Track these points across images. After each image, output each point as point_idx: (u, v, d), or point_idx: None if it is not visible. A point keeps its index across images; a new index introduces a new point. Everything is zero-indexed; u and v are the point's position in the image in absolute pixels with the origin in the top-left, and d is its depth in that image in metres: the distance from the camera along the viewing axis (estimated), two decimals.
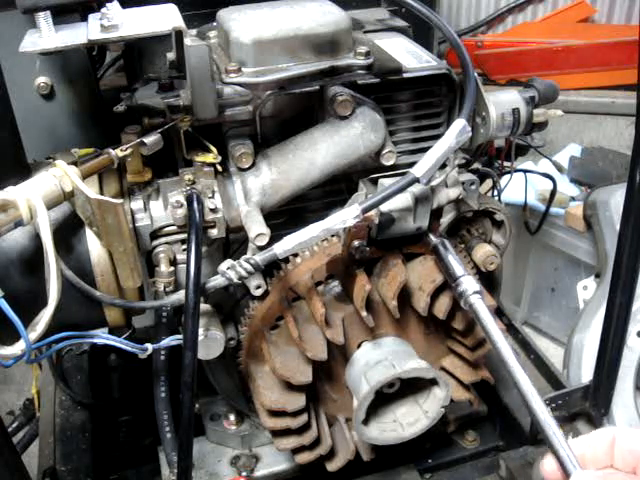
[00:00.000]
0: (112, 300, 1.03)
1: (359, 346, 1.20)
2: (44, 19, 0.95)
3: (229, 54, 1.11)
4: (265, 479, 1.39)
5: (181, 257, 1.09)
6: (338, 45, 1.12)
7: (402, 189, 1.01)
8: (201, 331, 1.05)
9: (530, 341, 1.64)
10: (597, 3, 3.11)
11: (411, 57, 1.19)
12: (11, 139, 0.99)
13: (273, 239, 1.03)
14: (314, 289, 1.12)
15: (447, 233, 1.22)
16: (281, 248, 1.00)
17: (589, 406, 1.38)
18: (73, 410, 1.56)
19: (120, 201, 0.91)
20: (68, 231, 1.02)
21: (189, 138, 1.06)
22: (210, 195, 1.06)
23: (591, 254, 2.06)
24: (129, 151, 0.99)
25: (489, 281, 1.32)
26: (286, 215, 1.20)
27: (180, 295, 1.03)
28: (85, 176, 0.94)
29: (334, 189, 1.21)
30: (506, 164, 1.43)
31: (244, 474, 1.37)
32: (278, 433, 1.20)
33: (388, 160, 1.15)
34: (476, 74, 1.11)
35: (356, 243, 1.06)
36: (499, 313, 1.63)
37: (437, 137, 1.06)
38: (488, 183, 1.40)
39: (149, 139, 1.01)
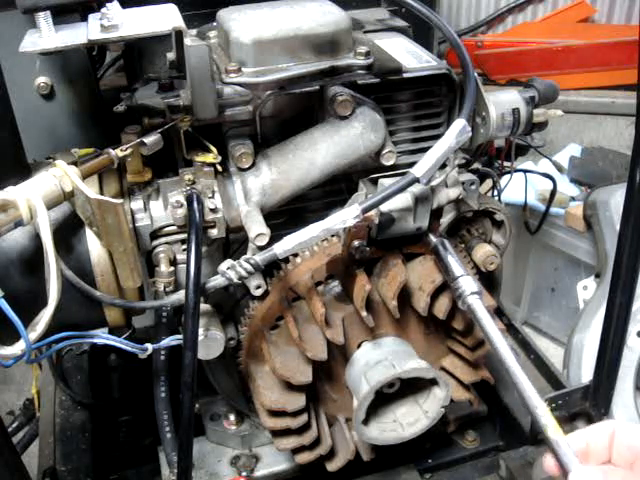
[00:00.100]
0: (112, 300, 1.03)
1: (359, 346, 1.20)
2: (44, 19, 0.95)
3: (229, 54, 1.11)
4: (265, 479, 1.39)
5: (181, 257, 1.09)
6: (338, 45, 1.12)
7: (402, 189, 1.01)
8: (201, 331, 1.05)
9: (530, 341, 1.64)
10: (597, 3, 3.11)
11: (411, 57, 1.19)
12: (11, 139, 0.99)
13: (273, 239, 1.03)
14: (314, 289, 1.12)
15: (447, 233, 1.22)
16: (281, 248, 1.00)
17: (589, 406, 1.38)
18: (73, 410, 1.56)
19: (120, 201, 0.91)
20: (68, 231, 1.02)
21: (189, 138, 1.06)
22: (210, 195, 1.06)
23: (591, 254, 2.06)
24: (129, 151, 0.99)
25: (489, 281, 1.32)
26: (286, 215, 1.20)
27: (180, 295, 1.03)
28: (85, 176, 0.94)
29: (334, 189, 1.21)
30: (506, 164, 1.43)
31: (244, 474, 1.37)
32: (278, 433, 1.20)
33: (388, 160, 1.15)
34: (476, 74, 1.11)
35: (356, 243, 1.06)
36: (499, 313, 1.63)
37: (437, 137, 1.06)
38: (488, 183, 1.41)
39: (149, 139, 1.01)
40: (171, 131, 1.05)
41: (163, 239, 1.08)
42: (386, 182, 1.08)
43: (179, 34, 1.00)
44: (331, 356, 1.14)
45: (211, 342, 1.08)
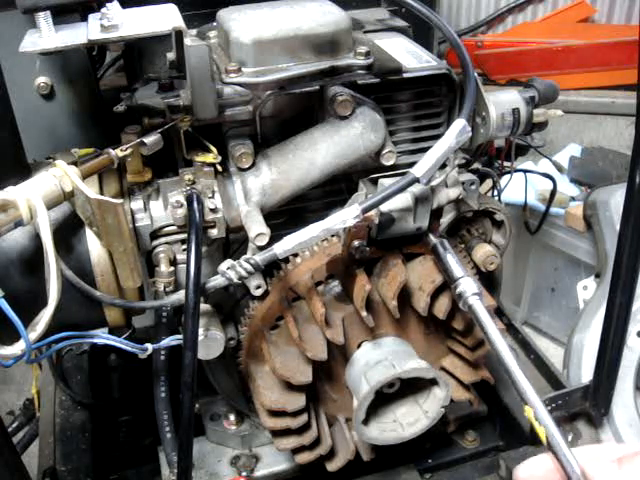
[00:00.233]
0: (112, 300, 1.03)
1: (359, 346, 1.20)
2: (44, 19, 0.95)
3: (229, 54, 1.11)
4: (265, 479, 1.39)
5: (181, 257, 1.09)
6: (338, 45, 1.12)
7: (402, 189, 1.01)
8: (201, 331, 1.05)
9: (530, 341, 1.64)
10: (597, 3, 3.11)
11: (411, 57, 1.19)
12: (11, 139, 0.99)
13: (273, 239, 1.03)
14: (314, 289, 1.12)
15: (447, 233, 1.22)
16: (281, 248, 1.00)
17: (589, 406, 1.38)
18: (73, 410, 1.55)
19: (120, 201, 0.91)
20: (68, 231, 1.02)
21: (189, 138, 1.06)
22: (210, 195, 1.06)
23: (591, 254, 2.05)
24: (129, 151, 0.99)
25: (489, 281, 1.32)
26: (286, 215, 1.20)
27: (180, 295, 1.03)
28: (85, 176, 0.94)
29: (334, 189, 1.21)
30: (506, 164, 1.43)
31: (244, 474, 1.37)
32: (278, 433, 1.20)
33: (388, 160, 1.15)
34: (476, 74, 1.11)
35: (356, 243, 1.06)
36: (499, 313, 1.63)
37: (437, 137, 1.06)
38: (488, 183, 1.41)
39: (149, 139, 1.01)
40: (171, 131, 1.05)
41: (163, 239, 1.08)
42: (386, 182, 1.08)
43: (179, 34, 1.00)
44: (331, 356, 1.14)
45: (211, 342, 1.08)
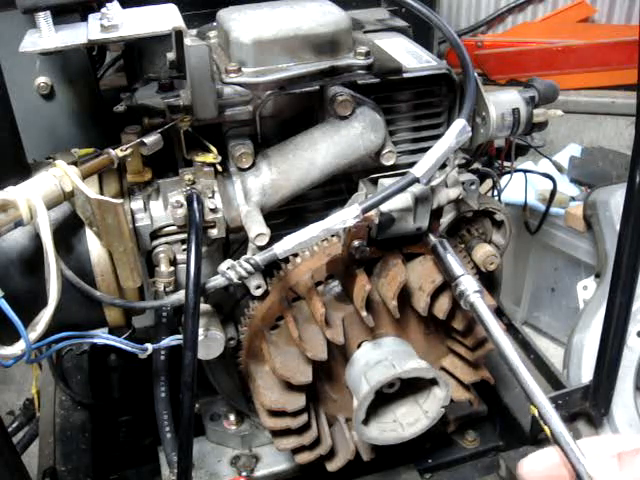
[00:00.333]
0: (112, 300, 1.03)
1: (359, 346, 1.20)
2: (44, 19, 0.95)
3: (229, 54, 1.11)
4: (265, 479, 1.39)
5: (181, 257, 1.09)
6: (338, 45, 1.12)
7: (402, 189, 1.01)
8: (201, 331, 1.05)
9: (530, 341, 1.64)
10: (597, 3, 3.11)
11: (411, 57, 1.19)
12: (11, 139, 0.98)
13: (273, 239, 1.03)
14: (314, 289, 1.12)
15: (447, 233, 1.22)
16: (281, 248, 1.00)
17: (589, 406, 1.38)
18: (73, 410, 1.55)
19: (120, 201, 0.91)
20: (68, 231, 1.02)
21: (189, 138, 1.06)
22: (210, 195, 1.06)
23: (591, 254, 2.05)
24: (129, 151, 0.99)
25: (489, 281, 1.32)
26: (286, 215, 1.20)
27: (180, 295, 1.03)
28: (85, 176, 0.94)
29: (334, 189, 1.21)
30: (506, 164, 1.43)
31: (244, 474, 1.37)
32: (278, 433, 1.20)
33: (388, 160, 1.15)
34: (476, 74, 1.11)
35: (356, 243, 1.06)
36: (499, 313, 1.63)
37: (437, 137, 1.06)
38: (488, 183, 1.40)
39: (149, 139, 1.01)
40: (171, 131, 1.05)
41: (163, 239, 1.08)
42: (386, 182, 1.08)
43: (179, 34, 1.00)
44: (331, 356, 1.14)
45: (211, 342, 1.08)
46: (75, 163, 0.97)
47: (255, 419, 1.40)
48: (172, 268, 1.06)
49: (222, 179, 1.09)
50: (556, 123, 2.53)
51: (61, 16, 1.04)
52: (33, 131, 1.28)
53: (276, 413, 1.17)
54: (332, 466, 1.27)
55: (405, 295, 1.14)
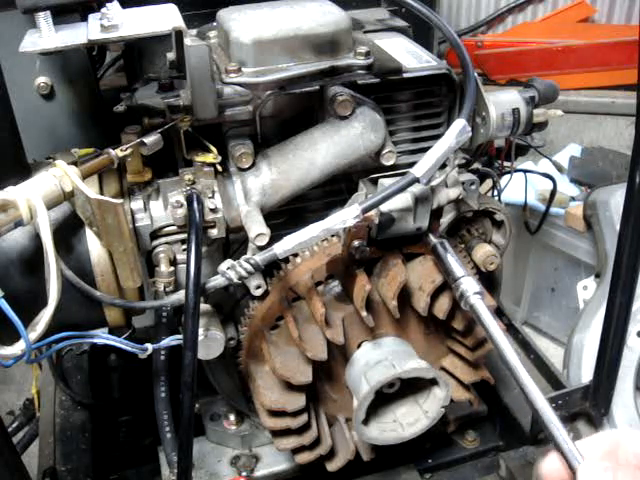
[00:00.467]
0: (112, 300, 1.03)
1: (359, 346, 1.20)
2: (44, 19, 0.95)
3: (229, 54, 1.11)
4: (265, 479, 1.39)
5: (181, 257, 1.09)
6: (338, 45, 1.12)
7: (402, 189, 1.01)
8: (201, 331, 1.05)
9: (530, 341, 1.64)
10: (597, 3, 3.11)
11: (411, 57, 1.19)
12: (11, 139, 0.99)
13: (273, 239, 1.03)
14: (314, 289, 1.12)
15: (447, 233, 1.22)
16: (281, 248, 1.00)
17: (589, 406, 1.38)
18: (73, 410, 1.56)
19: (120, 201, 0.91)
20: (68, 231, 1.02)
21: (189, 138, 1.06)
22: (210, 195, 1.06)
23: (591, 254, 2.05)
24: (129, 151, 0.99)
25: (489, 281, 1.32)
26: (286, 215, 1.20)
27: (180, 295, 1.03)
28: (85, 176, 0.94)
29: (334, 189, 1.21)
30: (506, 164, 1.43)
31: (244, 474, 1.37)
32: (278, 433, 1.20)
33: (388, 160, 1.15)
34: (476, 74, 1.11)
35: (356, 243, 1.06)
36: (499, 313, 1.63)
37: (437, 137, 1.06)
38: (488, 183, 1.41)
39: (149, 139, 1.01)
40: (171, 131, 1.05)
41: (163, 239, 1.08)
42: (386, 182, 1.08)
43: (179, 34, 1.00)
44: (331, 356, 1.14)
45: (211, 342, 1.08)
46: (75, 163, 0.97)
47: (255, 419, 1.40)
48: (172, 268, 1.06)
49: (222, 179, 1.09)
50: (556, 123, 2.53)
51: (61, 16, 1.04)
52: (33, 131, 1.28)
53: (276, 413, 1.17)
54: (332, 466, 1.27)
55: (405, 295, 1.14)
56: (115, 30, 0.95)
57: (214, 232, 1.08)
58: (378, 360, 1.14)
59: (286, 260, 1.13)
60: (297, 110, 1.17)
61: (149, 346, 1.05)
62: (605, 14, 3.12)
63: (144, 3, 1.05)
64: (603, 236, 1.92)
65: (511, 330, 1.67)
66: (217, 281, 1.04)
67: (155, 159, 1.06)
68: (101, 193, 1.05)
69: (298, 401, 1.15)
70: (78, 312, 1.05)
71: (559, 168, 2.33)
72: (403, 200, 1.08)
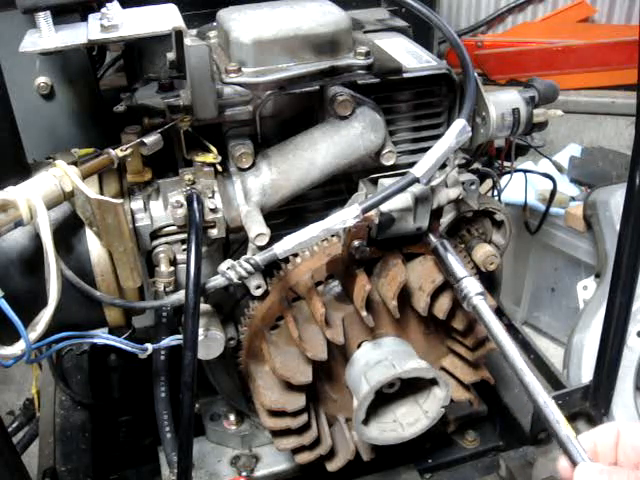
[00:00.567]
0: (112, 300, 1.03)
1: (359, 346, 1.20)
2: (44, 19, 0.95)
3: (229, 54, 1.11)
4: (265, 479, 1.39)
5: (181, 257, 1.09)
6: (338, 45, 1.12)
7: (402, 189, 1.01)
8: (201, 331, 1.05)
9: (530, 341, 1.64)
10: (597, 3, 3.11)
11: (411, 57, 1.19)
12: (11, 139, 0.99)
13: (273, 239, 1.03)
14: (314, 289, 1.12)
15: (447, 233, 1.22)
16: (281, 248, 1.00)
17: (589, 406, 1.38)
18: (73, 410, 1.55)
19: (120, 201, 0.91)
20: (68, 231, 1.02)
21: (189, 138, 1.06)
22: (210, 195, 1.06)
23: (591, 254, 2.06)
24: (129, 151, 0.99)
25: (489, 281, 1.32)
26: (286, 215, 1.20)
27: (180, 295, 1.03)
28: (85, 176, 0.94)
29: (334, 189, 1.21)
30: (506, 164, 1.43)
31: (244, 474, 1.37)
32: (278, 433, 1.20)
33: (388, 160, 1.15)
34: (476, 74, 1.11)
35: (356, 243, 1.06)
36: (499, 313, 1.63)
37: (437, 137, 1.06)
38: (488, 183, 1.40)
39: (149, 139, 1.01)
40: (171, 131, 1.05)
41: (163, 239, 1.08)
42: (386, 182, 1.08)
43: (179, 34, 1.00)
44: (331, 356, 1.14)
45: (211, 342, 1.08)
46: (75, 163, 0.98)
47: (255, 419, 1.40)
48: (172, 268, 1.06)
49: (222, 179, 1.09)
50: (556, 123, 2.53)
51: (61, 16, 1.04)
52: (33, 131, 1.28)
53: (276, 413, 1.17)
54: (332, 466, 1.27)
55: (405, 295, 1.14)
56: (115, 30, 0.95)
57: (214, 232, 1.08)
58: (378, 360, 1.14)
59: (286, 260, 1.13)
60: (297, 110, 1.17)
61: (149, 346, 1.05)
62: (605, 14, 3.12)
63: (144, 3, 1.05)
64: (603, 236, 1.92)
65: (511, 330, 1.67)
66: (217, 281, 1.04)
67: (155, 159, 1.06)
68: (101, 193, 1.04)
69: (298, 401, 1.15)
70: (78, 312, 1.05)
71: (559, 168, 2.33)
72: (403, 200, 1.08)
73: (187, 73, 1.01)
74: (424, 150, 1.06)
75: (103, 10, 0.95)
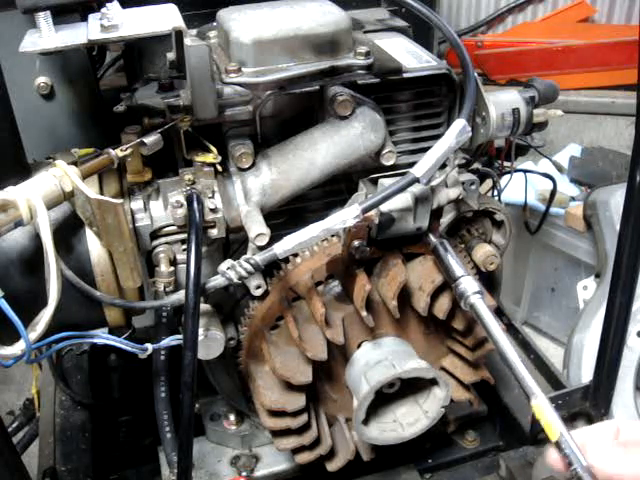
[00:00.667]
0: (112, 300, 1.03)
1: (359, 346, 1.20)
2: (44, 19, 0.95)
3: (229, 54, 1.11)
4: (265, 479, 1.39)
5: (181, 257, 1.09)
6: (338, 45, 1.12)
7: (402, 189, 1.01)
8: (201, 331, 1.05)
9: (530, 341, 1.64)
10: (597, 3, 3.11)
11: (411, 57, 1.19)
12: (11, 139, 0.99)
13: (273, 239, 1.03)
14: (314, 289, 1.12)
15: (447, 233, 1.22)
16: (281, 248, 1.00)
17: (589, 406, 1.38)
18: (73, 410, 1.55)
19: (120, 201, 0.91)
20: (68, 231, 1.02)
21: (189, 138, 1.06)
22: (210, 195, 1.06)
23: (591, 254, 2.06)
24: (129, 151, 0.99)
25: (489, 281, 1.32)
26: (286, 215, 1.20)
27: (180, 295, 1.03)
28: (85, 176, 0.94)
29: (334, 189, 1.21)
30: (506, 164, 1.43)
31: (244, 474, 1.37)
32: (278, 433, 1.20)
33: (388, 160, 1.15)
34: (476, 74, 1.11)
35: (356, 243, 1.06)
36: (499, 313, 1.63)
37: (437, 137, 1.06)
38: (488, 183, 1.40)
39: (149, 139, 1.01)
40: (171, 131, 1.05)
41: (163, 239, 1.08)
42: (386, 182, 1.08)
43: (179, 34, 1.00)
44: (331, 356, 1.14)
45: (211, 342, 1.08)
46: (75, 163, 0.98)
47: (255, 419, 1.40)
48: (172, 268, 1.06)
49: (222, 179, 1.09)
50: (556, 123, 2.53)
51: (61, 16, 1.04)
52: (33, 131, 1.29)
53: (276, 413, 1.17)
54: (332, 466, 1.27)
55: (405, 295, 1.14)
56: (115, 30, 0.95)
57: (214, 232, 1.08)
58: (378, 360, 1.14)
59: (286, 260, 1.13)
60: (297, 110, 1.17)
61: (149, 346, 1.05)
62: (605, 14, 3.12)
63: (144, 3, 1.05)
64: (603, 236, 1.92)
65: (511, 330, 1.67)
66: (217, 281, 1.04)
67: (155, 159, 1.06)
68: (101, 193, 1.05)
69: (298, 401, 1.15)
70: (78, 312, 1.05)
71: (559, 168, 2.33)
72: (403, 200, 1.08)
73: (187, 73, 1.01)
74: (424, 150, 1.06)
75: (103, 10, 0.95)
